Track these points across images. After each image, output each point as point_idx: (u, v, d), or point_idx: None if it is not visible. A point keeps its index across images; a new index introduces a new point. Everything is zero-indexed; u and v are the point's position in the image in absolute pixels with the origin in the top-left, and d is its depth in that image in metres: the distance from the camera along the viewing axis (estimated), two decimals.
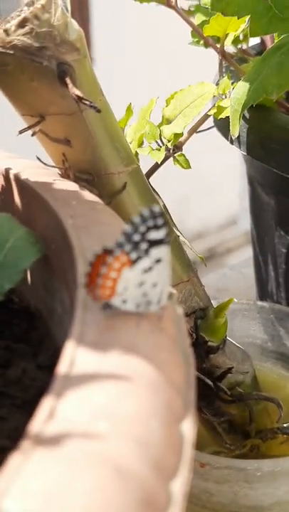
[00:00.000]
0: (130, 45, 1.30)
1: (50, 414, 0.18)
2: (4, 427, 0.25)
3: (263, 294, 0.52)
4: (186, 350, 0.23)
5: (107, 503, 0.16)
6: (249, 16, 0.32)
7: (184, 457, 0.19)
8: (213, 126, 0.44)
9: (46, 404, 0.18)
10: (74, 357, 0.20)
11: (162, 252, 0.22)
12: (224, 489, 0.34)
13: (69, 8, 0.30)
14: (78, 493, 0.16)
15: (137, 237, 0.22)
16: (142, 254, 0.22)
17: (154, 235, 0.22)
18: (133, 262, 0.22)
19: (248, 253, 0.78)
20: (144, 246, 0.22)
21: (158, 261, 0.22)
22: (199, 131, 0.42)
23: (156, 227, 0.22)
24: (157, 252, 0.22)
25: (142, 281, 0.22)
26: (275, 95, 0.32)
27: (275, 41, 0.34)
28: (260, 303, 0.47)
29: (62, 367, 0.19)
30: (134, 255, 0.22)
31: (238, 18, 0.33)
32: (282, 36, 0.32)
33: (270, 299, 0.51)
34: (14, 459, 0.16)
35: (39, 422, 0.17)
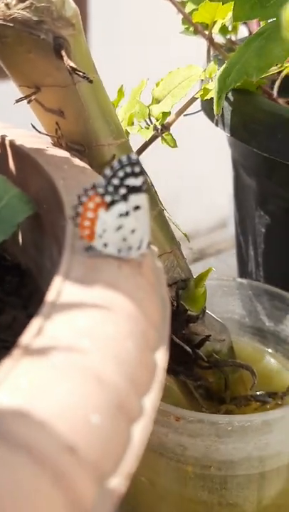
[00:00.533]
0: (125, 32, 1.32)
1: (38, 332, 0.20)
2: None
3: (244, 273, 0.55)
4: (164, 295, 0.26)
5: (85, 401, 0.18)
6: (234, 2, 0.35)
7: (156, 378, 0.21)
8: (199, 110, 0.47)
9: (35, 323, 0.20)
10: (61, 289, 0.22)
11: (141, 199, 0.24)
12: (197, 443, 0.36)
13: None
14: (61, 391, 0.18)
15: (115, 181, 0.24)
16: (118, 198, 0.24)
17: (132, 181, 0.24)
18: (108, 205, 0.24)
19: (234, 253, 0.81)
20: (122, 191, 0.24)
21: (137, 207, 0.24)
22: (186, 115, 0.44)
23: (134, 173, 0.24)
24: (136, 198, 0.24)
25: (119, 225, 0.24)
26: (255, 77, 0.35)
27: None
28: (239, 279, 0.49)
29: (50, 296, 0.22)
30: (108, 198, 0.24)
31: (223, 4, 0.35)
32: (264, 23, 0.35)
33: (250, 278, 0.53)
34: (5, 364, 0.19)
35: (28, 337, 0.20)
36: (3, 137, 0.35)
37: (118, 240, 0.24)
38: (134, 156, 0.24)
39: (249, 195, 0.49)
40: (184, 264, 0.43)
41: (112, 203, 0.24)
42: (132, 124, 0.45)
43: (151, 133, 0.43)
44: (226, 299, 0.50)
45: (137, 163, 0.24)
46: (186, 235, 0.47)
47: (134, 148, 0.43)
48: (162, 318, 0.24)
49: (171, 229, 0.43)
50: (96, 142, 0.36)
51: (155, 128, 0.43)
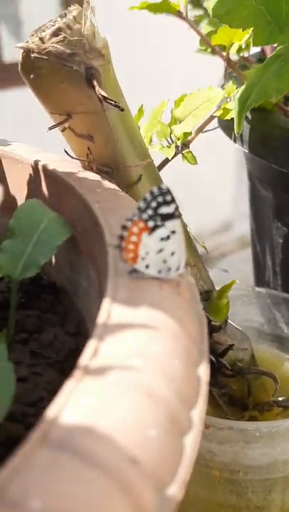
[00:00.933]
0: (141, 52, 1.34)
1: (95, 353, 0.22)
2: (40, 381, 0.30)
3: (260, 282, 0.56)
4: (199, 312, 0.27)
5: (142, 417, 0.20)
6: (252, 28, 0.37)
7: (201, 392, 0.23)
8: (217, 127, 0.48)
9: (90, 345, 0.22)
10: (110, 311, 0.24)
11: (175, 224, 0.26)
12: (226, 449, 0.38)
13: (96, 18, 0.34)
14: (120, 408, 0.20)
15: (149, 212, 0.26)
16: (159, 223, 0.26)
17: (165, 209, 0.26)
18: (151, 229, 0.26)
19: (241, 256, 0.82)
20: (157, 220, 0.26)
21: (173, 232, 0.26)
22: (205, 131, 0.46)
23: (166, 202, 0.26)
24: (171, 224, 0.26)
25: (161, 248, 0.26)
26: (275, 98, 0.36)
27: (276, 50, 0.38)
28: (257, 289, 0.51)
29: (101, 318, 0.24)
30: (151, 223, 0.26)
31: (243, 31, 0.37)
32: (282, 46, 0.37)
33: (267, 287, 0.55)
34: (68, 384, 0.20)
35: (86, 358, 0.22)
36: (37, 162, 0.37)
37: (159, 261, 0.26)
38: (164, 186, 0.26)
39: (265, 206, 0.51)
40: (206, 276, 0.45)
41: (155, 227, 0.26)
42: (151, 142, 0.47)
43: (173, 151, 0.44)
44: (246, 308, 0.51)
45: (168, 192, 0.26)
46: (204, 247, 0.48)
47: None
48: (200, 334, 0.26)
49: (193, 243, 0.45)
50: (123, 164, 0.38)
51: (176, 146, 0.45)
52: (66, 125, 0.36)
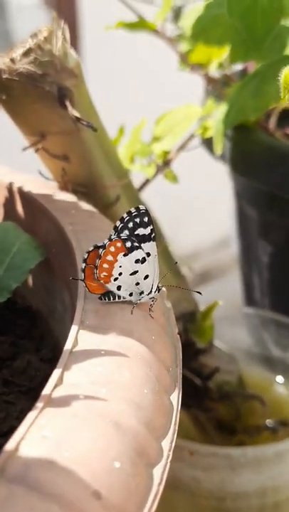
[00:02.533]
0: (123, 70, 1.34)
1: (59, 382, 0.21)
2: (12, 410, 0.28)
3: (249, 301, 0.56)
4: (174, 337, 0.26)
5: (107, 448, 0.19)
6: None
7: (172, 420, 0.22)
8: (199, 146, 0.48)
9: (55, 374, 0.21)
10: (77, 337, 0.23)
11: (150, 246, 0.26)
12: (211, 476, 0.37)
13: (68, 39, 0.34)
14: (83, 439, 0.19)
15: (125, 232, 0.25)
16: (136, 244, 0.25)
17: (142, 231, 0.25)
18: (128, 250, 0.25)
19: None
20: (135, 241, 0.25)
21: (148, 254, 0.26)
22: (187, 150, 0.45)
23: (143, 223, 0.25)
24: (146, 246, 0.25)
25: (135, 270, 0.25)
26: (253, 117, 0.36)
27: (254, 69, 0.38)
28: (245, 309, 0.50)
29: (68, 345, 0.23)
30: (128, 243, 0.25)
31: (219, 48, 0.37)
32: (260, 65, 0.36)
33: (256, 306, 0.54)
34: (29, 416, 0.20)
35: (49, 387, 0.21)
36: (12, 184, 0.36)
37: (131, 283, 0.25)
38: (142, 207, 0.25)
39: (251, 225, 0.50)
40: (190, 297, 0.44)
41: (131, 248, 0.25)
42: (133, 161, 0.46)
43: (153, 170, 0.44)
44: (234, 329, 0.50)
45: (146, 213, 0.25)
46: (190, 268, 0.48)
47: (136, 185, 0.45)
48: (174, 359, 0.25)
49: (176, 263, 0.44)
50: (101, 184, 0.37)
51: (156, 165, 0.44)
52: (39, 146, 0.35)
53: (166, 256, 0.42)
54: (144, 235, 0.26)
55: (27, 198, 0.35)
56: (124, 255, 0.25)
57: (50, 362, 0.32)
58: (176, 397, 0.23)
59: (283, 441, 0.37)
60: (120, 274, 0.25)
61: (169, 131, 0.42)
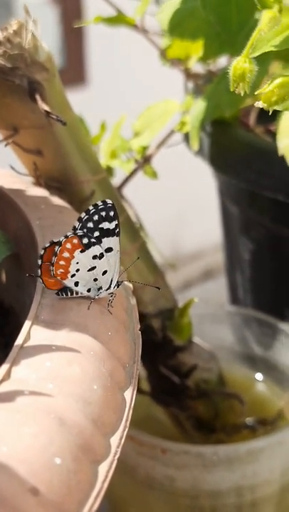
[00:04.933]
0: (122, 77, 1.35)
1: (5, 377, 0.21)
2: None
3: (234, 299, 0.55)
4: (135, 333, 0.26)
5: (48, 443, 0.19)
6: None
7: (124, 417, 0.22)
8: (180, 143, 0.48)
9: (2, 368, 0.21)
10: (29, 332, 0.23)
11: (113, 241, 0.25)
12: (184, 474, 0.37)
13: (39, 32, 0.33)
14: (24, 435, 0.18)
15: (90, 225, 0.25)
16: (94, 240, 0.25)
17: (106, 225, 0.25)
18: (85, 246, 0.25)
19: None
20: (96, 234, 0.25)
21: (108, 249, 0.25)
22: (168, 147, 0.45)
23: (108, 217, 0.25)
24: (108, 241, 0.25)
25: (92, 266, 0.25)
26: (228, 113, 0.35)
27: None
28: (228, 307, 0.50)
29: (19, 340, 0.22)
30: (85, 240, 0.25)
31: (193, 43, 0.36)
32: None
33: (240, 305, 0.54)
34: None
35: None
36: None
37: (89, 279, 0.25)
38: (109, 201, 0.25)
39: (233, 222, 0.50)
40: (169, 294, 0.44)
41: (88, 245, 0.25)
42: (115, 158, 0.46)
43: (132, 166, 0.43)
44: (216, 327, 0.50)
45: (112, 207, 0.25)
46: (172, 265, 0.47)
47: (119, 182, 0.44)
48: (132, 356, 0.25)
49: (154, 260, 0.44)
50: (75, 179, 0.37)
51: (136, 161, 0.44)
52: (10, 140, 0.35)
53: (143, 252, 0.42)
54: (109, 229, 0.26)
55: None
56: (81, 251, 0.25)
57: None
58: (130, 394, 0.23)
59: (256, 439, 0.36)
60: (77, 270, 0.25)
61: (147, 126, 0.42)
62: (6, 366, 0.21)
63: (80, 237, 0.25)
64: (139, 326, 0.27)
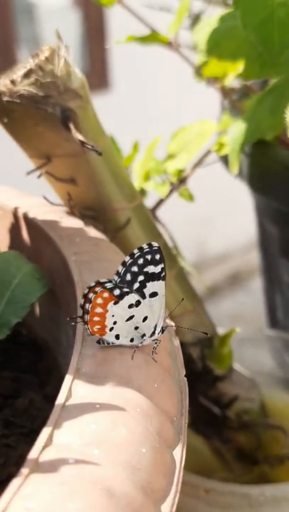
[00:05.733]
0: (146, 82, 1.33)
1: (48, 442, 0.19)
2: (12, 455, 0.27)
3: (273, 321, 0.53)
4: (181, 381, 0.25)
5: None
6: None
7: (174, 480, 0.20)
8: (216, 162, 0.46)
9: (44, 433, 0.19)
10: (71, 388, 0.21)
11: (158, 286, 0.24)
12: None
13: (71, 58, 0.32)
14: (71, 511, 0.17)
15: (134, 269, 0.23)
16: (127, 289, 0.23)
17: (152, 268, 0.24)
18: (118, 297, 0.23)
19: None
20: (140, 278, 0.23)
21: (153, 294, 0.24)
22: (204, 166, 0.43)
23: (154, 261, 0.24)
24: (153, 285, 0.24)
25: (130, 316, 0.24)
26: (269, 136, 0.34)
27: (271, 83, 0.36)
28: (268, 331, 0.48)
29: (61, 398, 0.21)
30: (117, 291, 0.23)
31: (233, 63, 0.35)
32: (276, 80, 0.34)
33: (279, 327, 0.52)
34: (13, 483, 0.18)
35: (37, 449, 0.19)
36: (17, 209, 0.35)
37: (130, 329, 0.24)
38: (155, 244, 0.24)
39: (272, 242, 0.48)
40: (208, 321, 0.42)
41: (121, 295, 0.23)
42: (147, 179, 0.44)
43: (167, 189, 0.42)
44: (255, 351, 0.48)
45: (158, 250, 0.24)
46: (207, 288, 0.46)
47: (151, 203, 0.43)
48: (179, 408, 0.23)
49: (192, 286, 0.42)
50: (110, 207, 0.36)
51: (171, 183, 0.42)
52: (43, 170, 0.33)
53: (180, 279, 0.40)
54: (154, 273, 0.24)
55: (32, 224, 0.34)
56: (115, 303, 0.23)
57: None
58: (179, 452, 0.21)
59: None
60: (115, 322, 0.23)
61: (183, 148, 0.41)
62: (48, 429, 0.19)
63: (111, 290, 0.24)
64: (184, 372, 0.25)
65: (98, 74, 1.36)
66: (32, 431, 0.28)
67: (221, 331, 0.43)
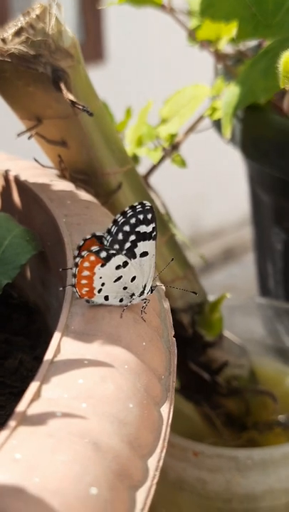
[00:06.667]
0: (142, 53, 1.31)
1: (35, 396, 0.19)
2: (1, 414, 0.27)
3: (264, 290, 0.53)
4: (170, 341, 0.25)
5: (82, 473, 0.17)
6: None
7: (161, 435, 0.20)
8: (210, 128, 0.45)
9: (32, 387, 0.20)
10: (59, 346, 0.21)
11: (149, 246, 0.24)
12: (217, 477, 0.35)
13: (63, 16, 0.31)
14: (57, 463, 0.17)
15: (126, 228, 0.23)
16: (113, 251, 0.23)
17: (143, 228, 0.24)
18: (104, 260, 0.23)
19: None
20: (132, 237, 0.23)
21: (143, 254, 0.24)
22: (197, 132, 0.43)
23: (146, 220, 0.23)
24: (144, 244, 0.24)
25: (118, 276, 0.23)
26: (263, 99, 0.33)
27: (264, 46, 0.35)
28: (258, 299, 0.48)
29: (49, 354, 0.21)
30: (103, 254, 0.23)
31: (226, 24, 0.34)
32: (270, 42, 0.34)
33: (270, 296, 0.52)
34: (0, 435, 0.18)
35: (25, 403, 0.19)
36: (8, 171, 0.34)
37: (118, 289, 0.24)
38: (147, 203, 0.23)
39: (265, 210, 0.48)
40: (199, 288, 0.42)
41: (108, 257, 0.23)
42: (141, 145, 0.44)
43: (159, 155, 0.42)
44: (246, 319, 0.48)
45: (150, 209, 0.23)
46: (203, 258, 0.46)
47: (144, 170, 0.43)
48: (167, 366, 0.23)
49: (183, 253, 0.42)
50: (101, 171, 0.35)
51: (164, 149, 0.42)
52: (34, 131, 0.33)
53: (172, 246, 0.40)
54: (146, 232, 0.24)
55: (22, 187, 0.33)
56: (102, 266, 0.23)
57: None
58: (167, 409, 0.21)
59: None
60: (103, 284, 0.23)
61: (176, 112, 0.40)
62: (36, 384, 0.20)
63: (97, 253, 0.23)
64: (173, 333, 0.25)
65: (93, 45, 1.34)
66: (22, 391, 0.28)
67: (212, 299, 0.43)
